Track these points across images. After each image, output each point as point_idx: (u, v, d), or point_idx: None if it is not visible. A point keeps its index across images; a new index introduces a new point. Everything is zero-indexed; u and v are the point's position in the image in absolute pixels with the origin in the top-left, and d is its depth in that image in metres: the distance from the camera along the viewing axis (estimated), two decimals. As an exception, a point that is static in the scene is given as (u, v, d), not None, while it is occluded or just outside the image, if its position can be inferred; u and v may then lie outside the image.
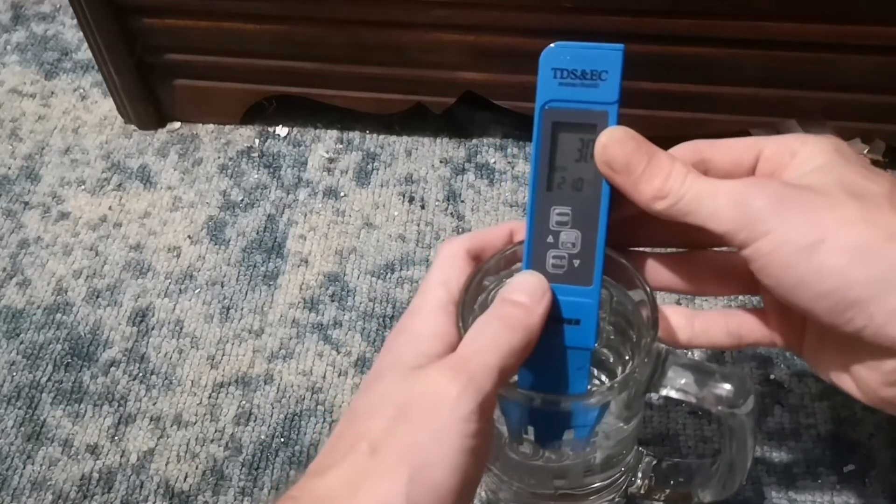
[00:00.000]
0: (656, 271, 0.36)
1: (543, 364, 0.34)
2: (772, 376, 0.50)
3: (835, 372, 0.33)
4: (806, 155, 0.32)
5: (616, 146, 0.32)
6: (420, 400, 0.29)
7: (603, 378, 0.39)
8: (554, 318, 0.33)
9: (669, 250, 0.37)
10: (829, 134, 0.34)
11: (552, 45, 0.31)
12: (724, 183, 0.31)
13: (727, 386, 0.34)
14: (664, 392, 0.34)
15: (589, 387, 0.35)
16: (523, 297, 0.32)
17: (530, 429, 0.36)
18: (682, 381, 0.34)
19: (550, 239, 0.33)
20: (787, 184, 0.31)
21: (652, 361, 0.34)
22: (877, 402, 0.32)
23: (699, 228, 0.31)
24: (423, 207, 0.61)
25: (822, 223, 0.29)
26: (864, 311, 0.29)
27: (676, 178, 0.31)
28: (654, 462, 0.42)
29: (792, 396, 0.49)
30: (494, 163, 0.63)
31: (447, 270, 0.34)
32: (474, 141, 0.65)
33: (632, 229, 0.35)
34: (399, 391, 0.30)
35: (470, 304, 0.35)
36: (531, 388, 0.35)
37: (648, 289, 0.35)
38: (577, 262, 0.33)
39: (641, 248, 0.37)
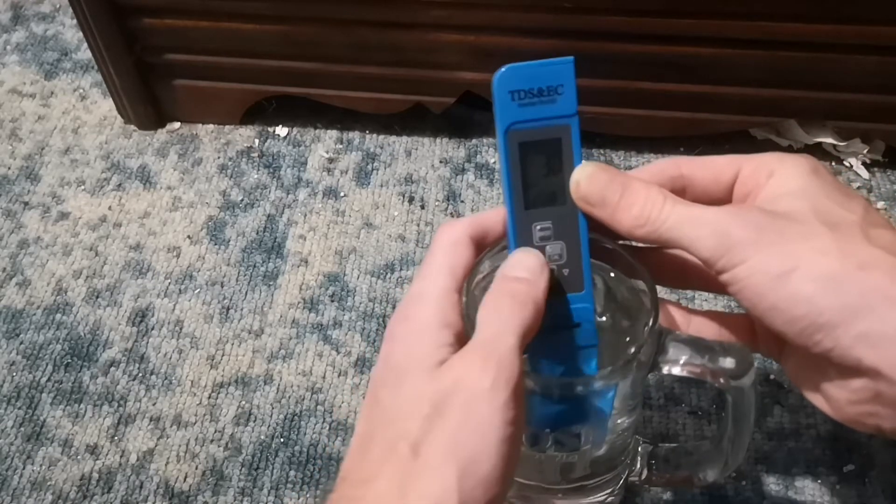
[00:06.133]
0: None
1: (557, 367, 0.35)
2: (772, 376, 0.50)
3: (808, 386, 0.34)
4: (783, 175, 0.33)
5: (589, 182, 0.33)
6: (453, 395, 0.29)
7: None
8: (558, 327, 0.34)
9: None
10: (813, 149, 0.35)
11: (502, 69, 0.32)
12: (705, 211, 0.32)
13: (729, 359, 0.34)
14: (666, 369, 0.34)
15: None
16: (524, 272, 0.33)
17: (547, 430, 0.36)
18: (684, 358, 0.34)
19: None
20: (766, 212, 0.32)
21: (654, 341, 0.34)
22: (843, 419, 0.33)
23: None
24: (422, 207, 0.61)
25: (796, 252, 0.30)
26: (832, 335, 0.30)
27: (654, 205, 0.32)
28: (651, 448, 0.42)
29: (792, 396, 0.49)
30: (494, 163, 0.63)
31: (452, 256, 0.34)
32: (474, 141, 0.65)
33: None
34: (429, 389, 0.30)
35: (472, 293, 0.35)
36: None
37: (647, 276, 0.35)
38: (566, 272, 0.34)
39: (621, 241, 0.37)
